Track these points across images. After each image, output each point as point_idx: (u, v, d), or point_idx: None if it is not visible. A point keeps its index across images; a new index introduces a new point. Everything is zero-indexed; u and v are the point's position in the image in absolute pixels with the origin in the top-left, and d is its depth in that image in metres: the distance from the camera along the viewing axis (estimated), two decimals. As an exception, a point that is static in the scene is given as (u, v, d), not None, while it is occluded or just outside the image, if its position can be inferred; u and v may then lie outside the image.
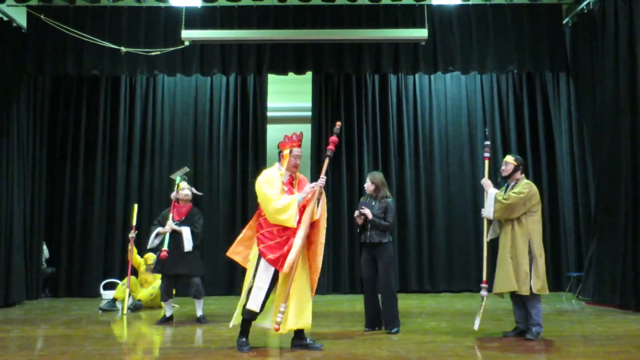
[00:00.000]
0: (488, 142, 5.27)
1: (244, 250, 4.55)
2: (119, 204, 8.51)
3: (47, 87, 8.44)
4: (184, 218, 5.99)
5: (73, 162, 8.65)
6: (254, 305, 4.23)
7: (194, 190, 6.21)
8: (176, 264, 5.80)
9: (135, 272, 7.07)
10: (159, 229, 5.98)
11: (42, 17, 7.50)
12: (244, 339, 4.37)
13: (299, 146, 4.54)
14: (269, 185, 4.36)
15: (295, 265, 4.21)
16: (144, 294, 6.92)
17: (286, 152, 4.50)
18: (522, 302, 4.84)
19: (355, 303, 7.43)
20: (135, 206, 7.07)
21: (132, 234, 6.70)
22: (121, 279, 7.52)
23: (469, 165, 8.76)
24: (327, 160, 4.62)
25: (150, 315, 6.52)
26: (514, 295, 4.85)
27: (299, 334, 4.42)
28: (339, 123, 4.74)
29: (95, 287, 8.14)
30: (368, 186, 5.32)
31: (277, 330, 4.19)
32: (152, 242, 6.01)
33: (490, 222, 4.97)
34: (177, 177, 6.21)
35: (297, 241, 4.23)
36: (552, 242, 8.37)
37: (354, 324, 5.65)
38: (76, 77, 8.39)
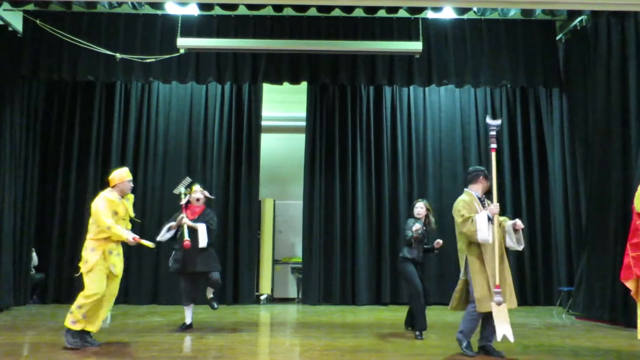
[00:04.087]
0: (493, 132, 4.85)
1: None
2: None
3: (42, 92, 8.41)
4: (198, 217, 5.99)
5: (65, 168, 8.61)
6: None
7: (206, 194, 6.18)
8: (193, 261, 5.81)
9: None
10: (171, 223, 5.95)
11: (37, 22, 7.52)
12: None
13: None
14: None
15: None
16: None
17: None
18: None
19: (346, 314, 7.40)
20: None
21: None
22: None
23: (461, 178, 8.76)
24: None
25: (137, 323, 6.46)
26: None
27: None
28: None
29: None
30: (423, 211, 5.88)
31: None
32: (163, 235, 5.95)
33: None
34: (180, 190, 6.18)
35: None
36: (543, 256, 8.40)
37: (344, 335, 5.63)
38: (71, 82, 8.39)
